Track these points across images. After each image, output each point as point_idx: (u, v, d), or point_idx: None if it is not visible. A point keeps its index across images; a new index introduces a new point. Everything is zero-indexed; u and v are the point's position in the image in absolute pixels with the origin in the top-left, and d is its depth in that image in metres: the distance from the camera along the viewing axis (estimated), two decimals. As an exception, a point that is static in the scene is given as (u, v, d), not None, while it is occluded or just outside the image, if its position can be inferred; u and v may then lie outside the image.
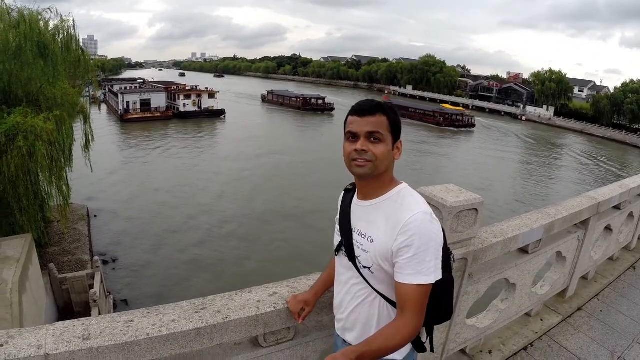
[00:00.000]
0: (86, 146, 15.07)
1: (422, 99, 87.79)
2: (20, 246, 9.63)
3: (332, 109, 67.00)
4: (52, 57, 12.13)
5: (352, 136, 1.59)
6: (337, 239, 1.78)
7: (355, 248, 1.66)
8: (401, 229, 1.51)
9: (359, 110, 1.58)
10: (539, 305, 3.79)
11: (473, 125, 58.71)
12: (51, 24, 13.07)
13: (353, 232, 1.69)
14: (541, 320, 3.74)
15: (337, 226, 1.79)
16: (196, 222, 21.41)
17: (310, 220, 21.65)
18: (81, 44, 14.29)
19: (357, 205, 1.72)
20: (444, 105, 72.69)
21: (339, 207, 1.83)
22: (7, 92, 12.13)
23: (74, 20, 13.36)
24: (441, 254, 1.57)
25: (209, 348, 1.99)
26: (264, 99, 78.50)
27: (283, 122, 59.16)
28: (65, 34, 13.05)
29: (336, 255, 1.80)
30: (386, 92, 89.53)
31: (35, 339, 1.52)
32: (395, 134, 1.60)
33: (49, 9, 13.09)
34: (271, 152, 37.64)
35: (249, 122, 55.52)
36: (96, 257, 14.14)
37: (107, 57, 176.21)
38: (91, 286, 12.45)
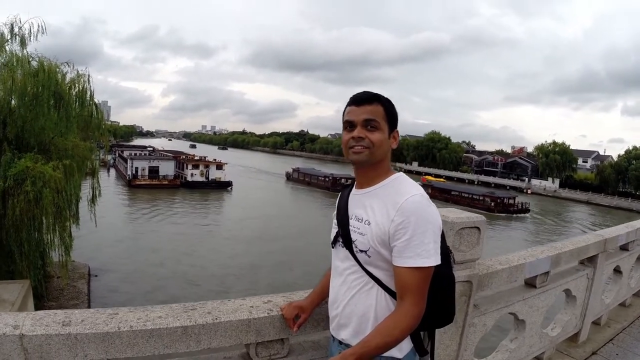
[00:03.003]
0: (92, 200, 15.16)
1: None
2: (16, 291, 9.54)
3: None
4: (66, 108, 12.50)
5: (349, 125, 1.62)
6: (334, 231, 1.75)
7: (352, 233, 1.63)
8: (398, 210, 1.49)
9: (356, 100, 1.63)
10: (551, 348, 3.58)
11: (527, 211, 51.94)
12: (68, 77, 13.61)
13: (350, 219, 1.67)
14: (554, 364, 3.53)
15: (335, 220, 1.77)
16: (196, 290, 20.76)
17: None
18: (95, 100, 14.69)
19: (355, 194, 1.71)
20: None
21: (336, 203, 1.82)
22: (19, 138, 12.38)
23: (89, 76, 13.92)
24: (439, 238, 1.53)
25: (195, 354, 1.88)
26: (289, 177, 73.29)
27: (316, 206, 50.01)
28: (81, 87, 13.53)
29: (333, 248, 1.75)
30: (423, 174, 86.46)
31: (13, 319, 1.46)
32: (392, 123, 1.63)
33: (66, 62, 13.72)
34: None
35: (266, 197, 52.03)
36: (92, 314, 13.74)
37: (119, 123, 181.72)
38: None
